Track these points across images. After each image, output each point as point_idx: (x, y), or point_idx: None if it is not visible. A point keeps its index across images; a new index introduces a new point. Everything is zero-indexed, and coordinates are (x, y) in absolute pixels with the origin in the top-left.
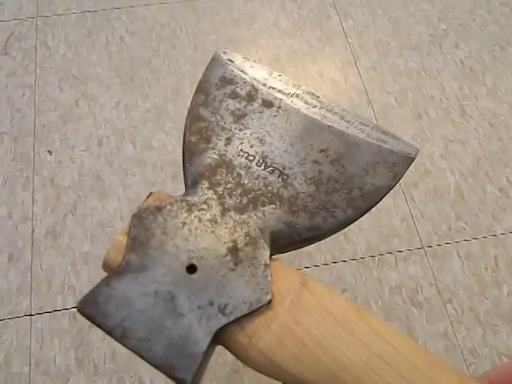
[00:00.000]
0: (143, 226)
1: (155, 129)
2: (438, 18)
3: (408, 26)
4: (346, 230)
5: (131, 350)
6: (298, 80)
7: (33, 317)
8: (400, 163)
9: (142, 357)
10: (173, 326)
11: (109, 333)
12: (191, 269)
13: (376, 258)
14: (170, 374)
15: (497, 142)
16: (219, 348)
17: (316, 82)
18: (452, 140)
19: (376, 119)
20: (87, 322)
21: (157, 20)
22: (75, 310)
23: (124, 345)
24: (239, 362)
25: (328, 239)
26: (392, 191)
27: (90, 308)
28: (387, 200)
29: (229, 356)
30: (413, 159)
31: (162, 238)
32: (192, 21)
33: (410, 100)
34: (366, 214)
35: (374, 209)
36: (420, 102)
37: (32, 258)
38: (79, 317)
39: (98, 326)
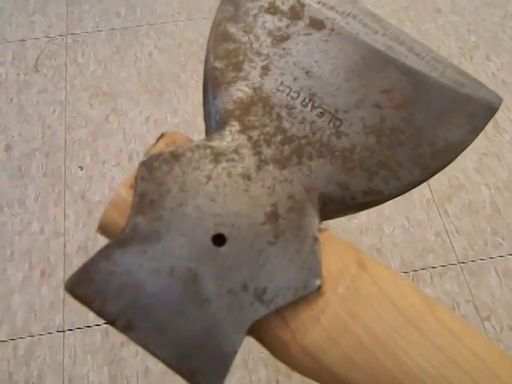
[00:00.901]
0: (155, 179)
1: None
2: (467, 30)
3: (437, 39)
4: (379, 244)
5: (139, 345)
6: None
7: (65, 333)
8: (480, 114)
9: (153, 355)
10: (195, 316)
11: (110, 322)
12: (219, 239)
13: (410, 274)
14: (191, 381)
15: None
16: (252, 364)
17: None
18: (486, 153)
19: None
20: (120, 339)
21: (185, 36)
22: (108, 326)
23: (130, 338)
24: (273, 380)
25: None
26: (425, 205)
27: (84, 288)
28: (420, 214)
29: (262, 373)
30: (496, 110)
31: (179, 197)
32: None
33: None
34: (400, 229)
35: (407, 223)
36: None
37: (64, 273)
38: (112, 333)
39: (96, 312)
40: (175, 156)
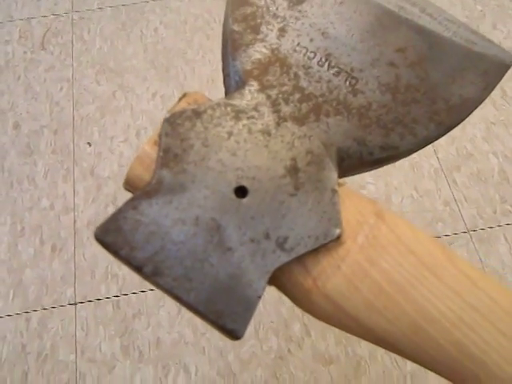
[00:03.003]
0: (178, 134)
1: None
2: (473, 0)
3: (443, 9)
4: None
5: (167, 291)
6: None
7: (77, 305)
8: (493, 71)
9: (180, 300)
10: (219, 263)
11: (137, 269)
12: (241, 192)
13: None
14: (216, 323)
15: None
16: (263, 333)
17: None
18: (494, 122)
19: None
20: (131, 310)
21: (190, 11)
22: (119, 298)
23: (157, 284)
24: (284, 349)
25: None
26: (433, 174)
27: (113, 236)
28: (429, 184)
29: (273, 342)
30: (508, 67)
31: (202, 151)
32: None
33: None
34: (408, 199)
35: (415, 193)
36: None
37: (75, 247)
38: (123, 305)
39: (124, 259)
40: (197, 113)
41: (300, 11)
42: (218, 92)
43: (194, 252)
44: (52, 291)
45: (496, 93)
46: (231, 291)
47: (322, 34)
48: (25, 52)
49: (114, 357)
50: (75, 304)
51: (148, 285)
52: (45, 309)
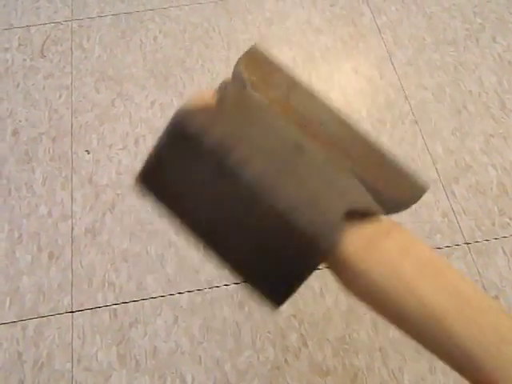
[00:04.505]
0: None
1: None
2: (473, 12)
3: (443, 21)
4: None
5: (251, 181)
6: (332, 77)
7: (74, 313)
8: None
9: (270, 199)
10: (307, 174)
11: (226, 151)
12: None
13: None
14: (305, 232)
15: None
16: (258, 343)
17: (351, 79)
18: (493, 134)
19: (413, 115)
20: (128, 319)
21: (189, 20)
22: (116, 306)
23: (242, 173)
24: (281, 359)
25: None
26: (432, 186)
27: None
28: (427, 195)
29: (270, 352)
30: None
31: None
32: (224, 20)
33: (448, 95)
34: (407, 211)
35: (414, 205)
36: (458, 96)
37: (72, 255)
38: (120, 313)
39: (210, 143)
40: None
41: None
42: None
43: (282, 154)
44: (49, 299)
45: (495, 105)
46: (316, 204)
47: None
48: (24, 59)
49: (110, 366)
50: (72, 312)
51: (145, 294)
52: (41, 317)
